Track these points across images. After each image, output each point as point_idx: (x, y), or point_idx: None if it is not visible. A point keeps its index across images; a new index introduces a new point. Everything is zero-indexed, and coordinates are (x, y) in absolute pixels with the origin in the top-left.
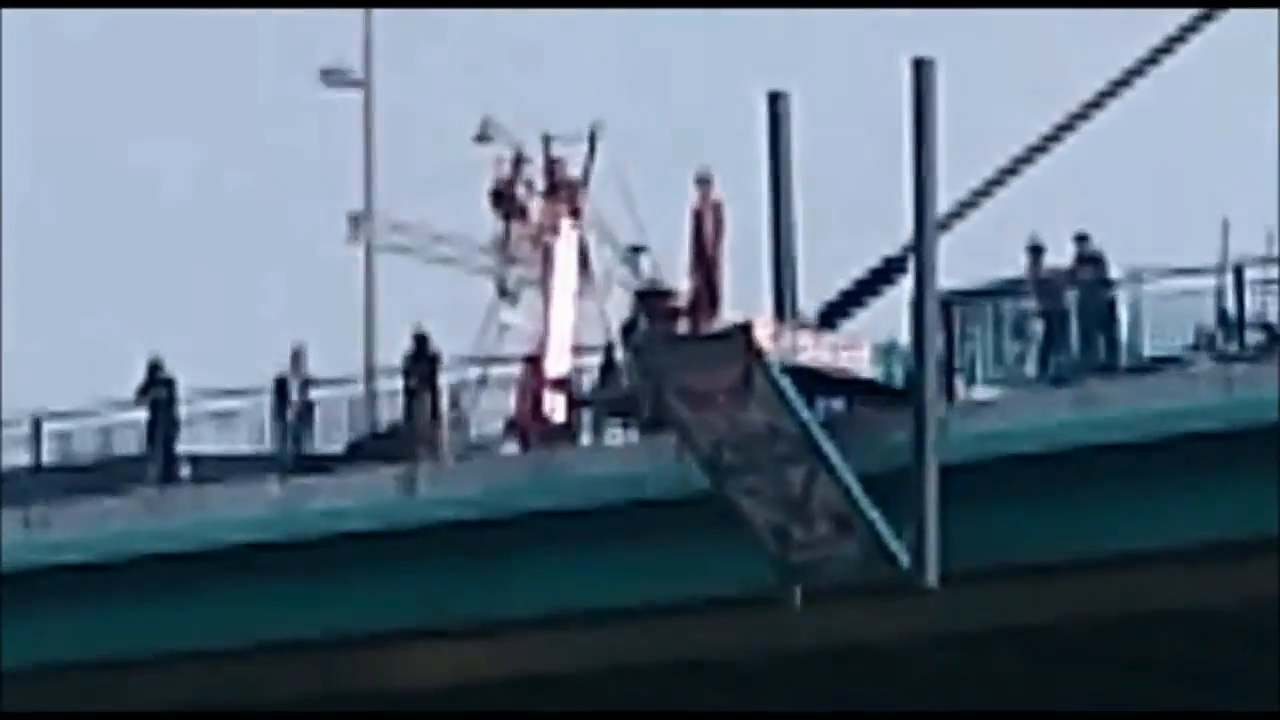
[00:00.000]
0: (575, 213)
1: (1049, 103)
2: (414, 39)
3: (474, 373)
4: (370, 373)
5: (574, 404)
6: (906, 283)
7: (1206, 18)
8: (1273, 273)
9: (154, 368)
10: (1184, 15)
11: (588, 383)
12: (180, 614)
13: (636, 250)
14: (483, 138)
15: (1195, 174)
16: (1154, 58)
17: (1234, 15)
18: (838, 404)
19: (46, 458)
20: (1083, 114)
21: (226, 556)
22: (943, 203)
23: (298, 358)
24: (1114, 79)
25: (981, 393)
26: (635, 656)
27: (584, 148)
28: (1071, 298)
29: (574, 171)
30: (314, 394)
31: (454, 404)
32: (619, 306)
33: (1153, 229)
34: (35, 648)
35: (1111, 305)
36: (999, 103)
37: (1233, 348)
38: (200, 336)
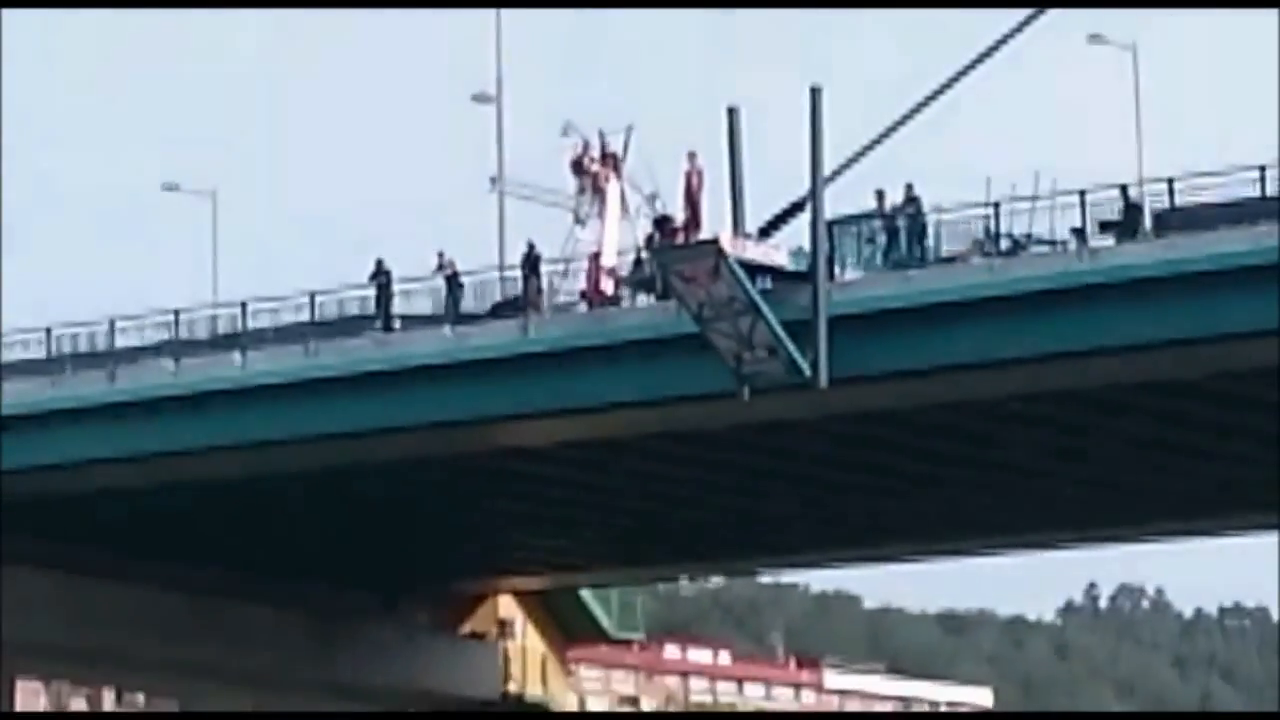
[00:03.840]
0: (618, 174)
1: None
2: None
3: (560, 265)
4: (502, 268)
5: (618, 283)
6: (806, 214)
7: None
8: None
9: (379, 263)
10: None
11: (626, 270)
12: (391, 405)
13: (654, 196)
14: (565, 133)
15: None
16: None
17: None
18: (768, 282)
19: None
20: (930, 99)
21: (422, 371)
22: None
23: (440, 261)
24: (960, 69)
25: (850, 275)
26: (655, 427)
27: (623, 137)
28: (902, 221)
29: (617, 150)
30: (467, 280)
31: (550, 283)
32: (644, 228)
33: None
34: (306, 422)
35: (924, 225)
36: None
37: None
38: (396, 252)
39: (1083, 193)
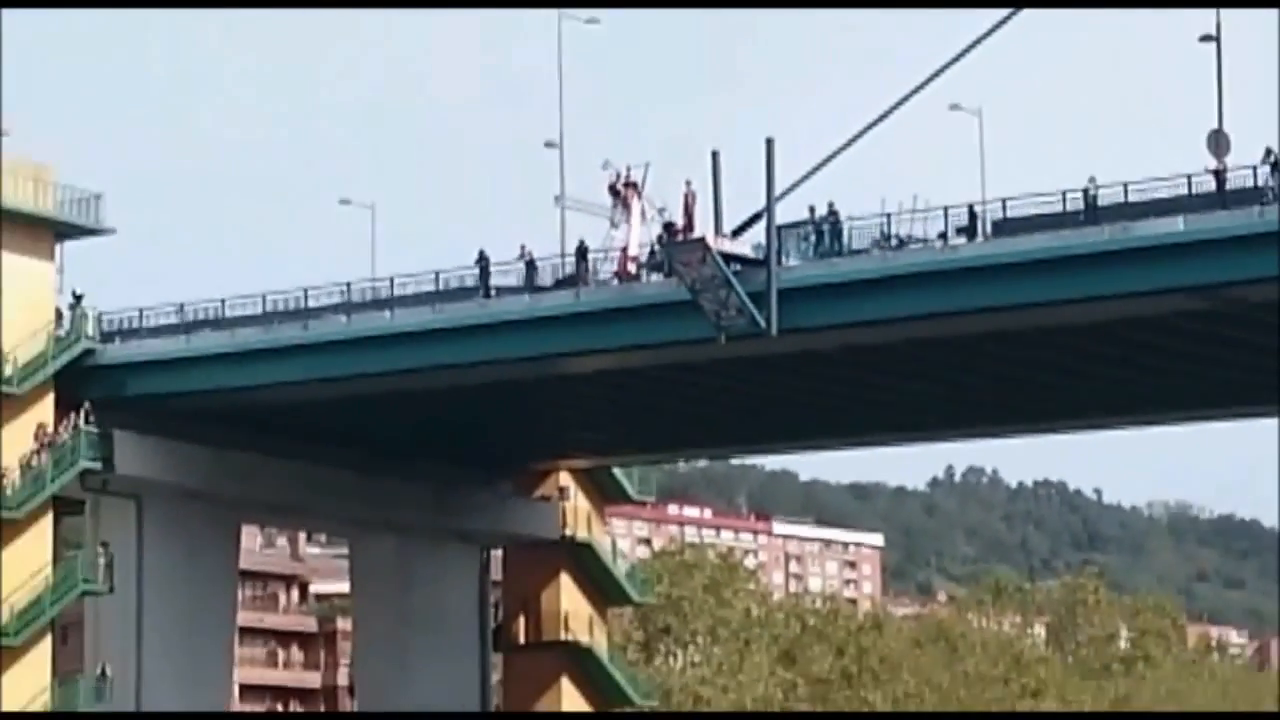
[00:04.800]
0: (640, 194)
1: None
2: (583, 122)
3: (601, 254)
4: (563, 255)
5: (639, 266)
6: (763, 221)
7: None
8: (907, 215)
9: (481, 253)
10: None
11: (644, 258)
12: (489, 346)
13: (663, 209)
14: (604, 167)
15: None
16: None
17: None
18: (738, 266)
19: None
20: (855, 139)
21: (509, 324)
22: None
23: (522, 251)
24: (914, 87)
25: (791, 262)
26: (662, 360)
27: (643, 170)
28: (826, 226)
29: (639, 178)
30: (539, 263)
31: (594, 266)
32: (656, 230)
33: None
34: (432, 356)
35: (840, 229)
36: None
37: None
38: (493, 245)
39: (946, 208)
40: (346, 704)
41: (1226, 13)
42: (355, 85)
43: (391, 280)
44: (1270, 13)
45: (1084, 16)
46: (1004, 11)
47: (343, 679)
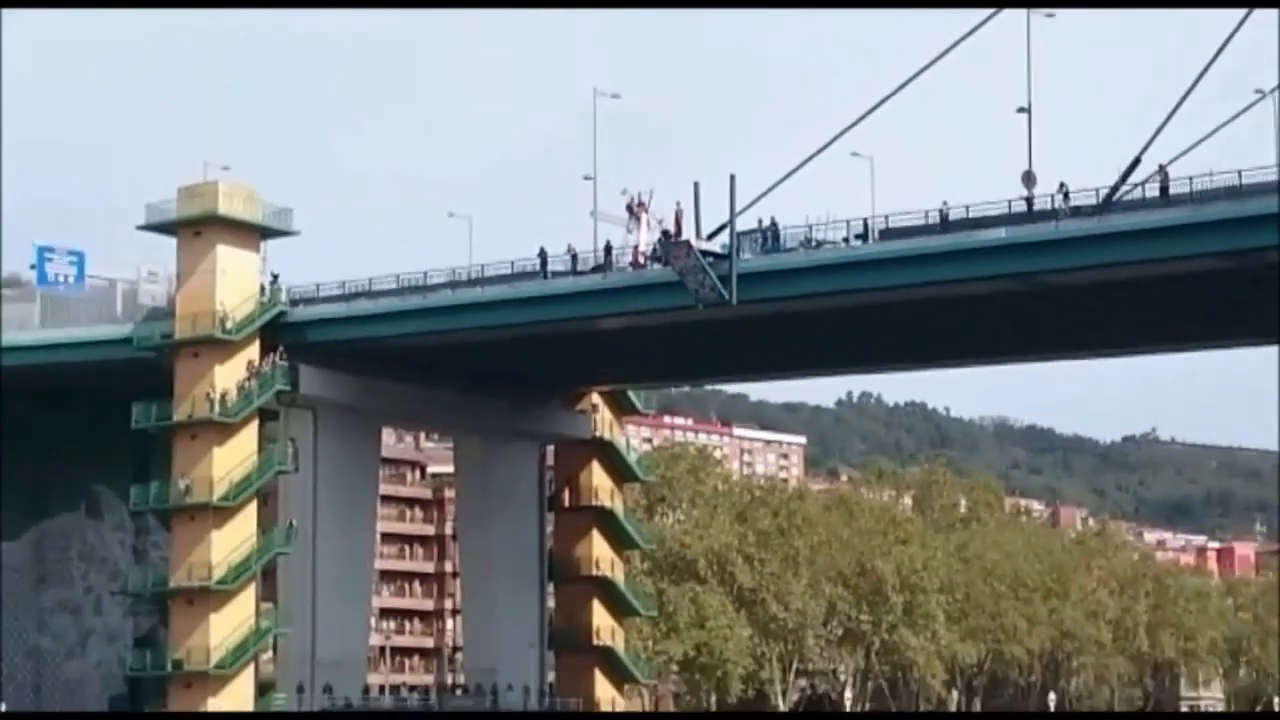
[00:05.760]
0: (647, 210)
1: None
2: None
3: (621, 250)
4: (595, 251)
5: (646, 258)
6: (727, 230)
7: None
8: (823, 225)
9: (541, 250)
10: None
11: (650, 252)
12: (548, 310)
13: (661, 220)
14: (623, 192)
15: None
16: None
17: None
18: (710, 259)
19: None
20: (801, 165)
21: (561, 295)
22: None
23: (568, 248)
24: (829, 140)
25: (745, 256)
26: (660, 320)
27: (649, 193)
28: (769, 232)
29: (646, 199)
30: (580, 256)
31: (615, 258)
32: (657, 234)
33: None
34: (510, 317)
35: (779, 234)
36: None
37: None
38: (549, 243)
39: (848, 221)
40: (450, 547)
41: (1038, 89)
42: (458, 131)
43: (482, 266)
44: (1070, 91)
45: (943, 92)
46: (896, 83)
47: (448, 530)
